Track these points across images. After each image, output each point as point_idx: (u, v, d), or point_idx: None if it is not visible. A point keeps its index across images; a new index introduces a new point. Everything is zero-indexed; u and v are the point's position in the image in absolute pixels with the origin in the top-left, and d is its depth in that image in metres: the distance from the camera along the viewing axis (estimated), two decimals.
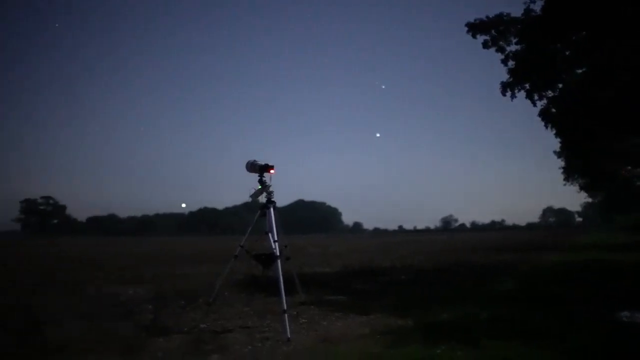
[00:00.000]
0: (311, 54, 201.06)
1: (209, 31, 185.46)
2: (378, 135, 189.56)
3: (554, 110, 15.36)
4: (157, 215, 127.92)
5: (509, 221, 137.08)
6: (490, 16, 14.89)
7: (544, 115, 15.50)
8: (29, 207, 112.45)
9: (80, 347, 4.42)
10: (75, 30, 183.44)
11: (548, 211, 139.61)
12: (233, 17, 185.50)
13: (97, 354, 4.27)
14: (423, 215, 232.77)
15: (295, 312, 5.84)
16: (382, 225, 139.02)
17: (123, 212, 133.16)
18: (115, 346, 4.49)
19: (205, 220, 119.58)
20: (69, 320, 5.54)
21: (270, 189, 5.62)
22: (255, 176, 5.68)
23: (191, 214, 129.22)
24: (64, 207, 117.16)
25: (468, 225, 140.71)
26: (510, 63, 14.80)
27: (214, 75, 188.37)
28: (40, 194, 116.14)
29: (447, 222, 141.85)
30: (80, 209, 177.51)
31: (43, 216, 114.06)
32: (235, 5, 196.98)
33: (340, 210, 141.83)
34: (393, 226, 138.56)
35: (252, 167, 5.69)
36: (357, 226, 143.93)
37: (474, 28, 15.10)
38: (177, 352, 4.34)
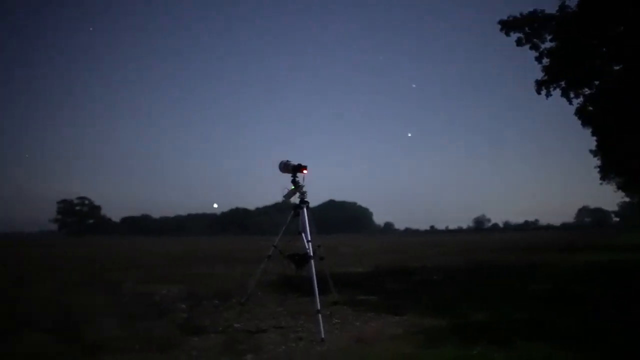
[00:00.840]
0: (341, 54, 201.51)
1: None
2: (410, 134, 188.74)
3: (590, 108, 15.03)
4: (189, 216, 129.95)
5: (543, 221, 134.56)
6: (524, 13, 14.66)
7: (580, 113, 15.19)
8: (66, 207, 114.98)
9: (116, 346, 4.50)
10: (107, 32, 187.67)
11: (583, 211, 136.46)
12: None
13: (133, 352, 4.35)
14: (455, 215, 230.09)
15: (328, 312, 5.81)
16: (413, 226, 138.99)
17: (156, 213, 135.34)
18: (151, 345, 4.55)
19: (236, 221, 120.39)
20: (105, 319, 5.63)
21: (304, 189, 5.62)
22: (288, 176, 5.69)
23: (223, 214, 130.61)
24: (99, 208, 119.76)
25: (501, 225, 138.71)
26: (545, 60, 14.57)
27: (246, 76, 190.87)
28: (76, 194, 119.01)
29: (479, 222, 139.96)
30: (115, 209, 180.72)
31: (79, 217, 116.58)
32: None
33: (371, 210, 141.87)
34: (424, 226, 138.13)
35: (285, 167, 5.68)
36: (388, 226, 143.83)
37: (507, 25, 14.90)
38: (211, 351, 4.39)
